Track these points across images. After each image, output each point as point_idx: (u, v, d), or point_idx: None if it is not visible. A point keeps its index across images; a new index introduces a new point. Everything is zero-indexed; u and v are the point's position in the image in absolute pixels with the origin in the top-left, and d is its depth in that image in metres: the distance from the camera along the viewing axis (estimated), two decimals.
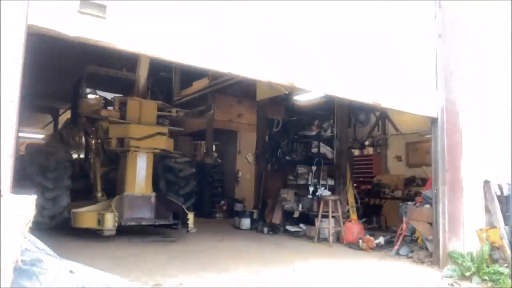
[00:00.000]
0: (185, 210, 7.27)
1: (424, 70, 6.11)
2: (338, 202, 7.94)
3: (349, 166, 8.61)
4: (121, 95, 8.64)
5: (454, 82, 6.17)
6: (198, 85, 14.39)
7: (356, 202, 8.54)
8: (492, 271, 5.14)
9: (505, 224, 6.01)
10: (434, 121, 6.12)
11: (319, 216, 7.89)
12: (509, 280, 4.95)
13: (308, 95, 10.07)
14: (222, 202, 12.78)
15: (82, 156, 9.19)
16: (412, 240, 6.71)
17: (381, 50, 5.68)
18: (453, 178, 5.93)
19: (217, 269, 5.23)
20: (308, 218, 8.90)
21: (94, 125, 8.64)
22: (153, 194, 7.67)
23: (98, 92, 9.66)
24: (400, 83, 5.80)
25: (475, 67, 6.37)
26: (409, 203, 6.96)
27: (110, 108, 7.99)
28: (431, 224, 5.99)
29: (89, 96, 9.14)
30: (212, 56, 4.19)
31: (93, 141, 8.76)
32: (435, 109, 6.09)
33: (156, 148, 7.85)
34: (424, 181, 10.08)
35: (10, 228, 2.45)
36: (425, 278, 5.27)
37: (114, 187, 8.18)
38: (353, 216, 8.26)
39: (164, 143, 7.92)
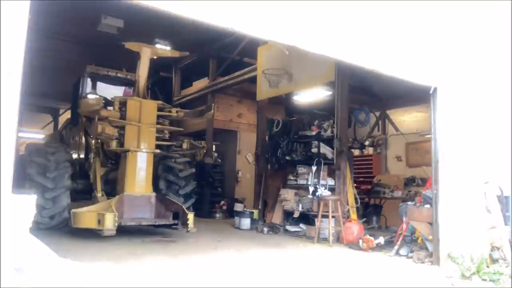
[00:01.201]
0: (185, 210, 7.27)
1: (427, 41, 6.05)
2: (338, 202, 7.94)
3: (349, 166, 8.60)
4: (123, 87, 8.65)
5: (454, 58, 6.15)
6: (198, 85, 14.42)
7: (356, 202, 8.53)
8: (492, 271, 5.14)
9: (505, 224, 6.02)
10: (433, 92, 6.06)
11: (319, 216, 7.89)
12: (509, 280, 4.95)
13: (308, 95, 10.11)
14: (222, 202, 12.78)
15: (82, 156, 9.20)
16: (412, 240, 6.71)
17: (383, 17, 5.61)
18: (453, 178, 5.93)
19: (217, 268, 5.24)
20: (308, 218, 8.90)
21: None
22: (153, 194, 7.67)
23: (99, 84, 9.64)
24: (401, 51, 5.73)
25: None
26: (409, 203, 6.95)
27: (110, 108, 7.98)
28: (431, 224, 5.99)
29: (89, 96, 9.14)
30: (212, 9, 4.04)
31: (93, 141, 8.77)
32: (435, 79, 6.02)
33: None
34: (424, 181, 10.08)
35: (10, 228, 2.45)
36: (425, 278, 5.26)
37: (114, 187, 8.19)
38: (353, 216, 8.26)
39: None
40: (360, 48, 5.33)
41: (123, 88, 9.79)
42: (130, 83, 9.52)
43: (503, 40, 6.64)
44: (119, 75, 9.70)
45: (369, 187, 11.42)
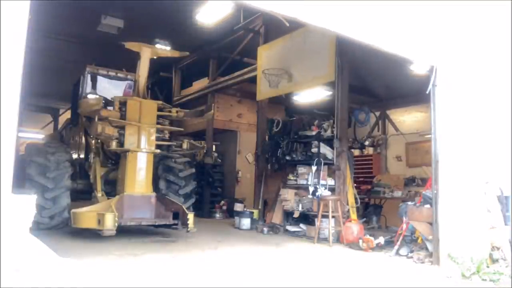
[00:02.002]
0: (185, 210, 7.26)
1: (428, 21, 6.02)
2: (338, 202, 7.94)
3: (349, 166, 8.60)
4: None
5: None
6: (198, 85, 14.42)
7: (356, 202, 8.53)
8: (492, 271, 5.14)
9: (505, 224, 6.02)
10: (433, 70, 6.04)
11: (319, 216, 7.89)
12: (509, 280, 4.95)
13: (308, 95, 10.11)
14: (222, 202, 12.78)
15: (82, 156, 9.20)
16: (412, 240, 6.71)
17: None
18: (453, 178, 5.93)
19: (217, 268, 5.24)
20: (308, 218, 8.90)
21: None
22: (153, 194, 7.66)
23: (99, 84, 9.64)
24: (401, 28, 5.71)
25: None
26: (409, 203, 6.95)
27: (110, 108, 7.98)
28: (431, 224, 5.99)
29: (89, 96, 9.14)
30: None
31: (93, 141, 8.77)
32: (435, 57, 6.00)
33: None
34: (424, 181, 10.08)
35: (10, 228, 2.45)
36: (425, 278, 5.26)
37: (114, 187, 8.19)
38: (353, 216, 8.26)
39: None
40: (361, 22, 5.31)
41: (123, 88, 9.79)
42: (130, 83, 9.53)
43: (503, 28, 6.59)
44: (119, 75, 9.70)
45: (369, 187, 11.42)
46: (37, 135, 18.68)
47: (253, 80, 11.03)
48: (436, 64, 5.97)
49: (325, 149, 8.75)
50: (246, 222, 9.61)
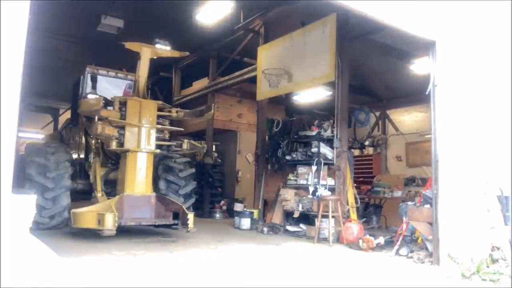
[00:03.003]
0: (185, 210, 7.26)
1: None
2: (338, 202, 7.94)
3: (349, 166, 8.60)
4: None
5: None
6: (198, 85, 14.42)
7: (356, 202, 8.54)
8: (492, 271, 5.15)
9: (505, 224, 6.02)
10: (432, 46, 6.04)
11: (319, 216, 7.89)
12: (509, 280, 4.95)
13: (308, 95, 10.11)
14: (222, 202, 12.79)
15: (82, 156, 9.20)
16: (412, 240, 6.71)
17: None
18: (453, 178, 5.93)
19: (217, 268, 5.24)
20: (308, 218, 8.90)
21: None
22: (153, 194, 7.66)
23: (99, 84, 9.64)
24: (403, 2, 5.73)
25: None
26: (409, 203, 6.95)
27: (110, 108, 7.98)
28: (431, 224, 5.99)
29: (89, 96, 9.14)
30: None
31: (93, 141, 8.77)
32: (436, 32, 5.99)
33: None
34: (424, 181, 10.09)
35: (10, 228, 2.45)
36: (425, 278, 5.26)
37: (114, 187, 8.19)
38: (353, 216, 8.26)
39: None
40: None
41: (123, 88, 9.80)
42: (130, 83, 9.53)
43: (504, 26, 6.56)
44: (119, 75, 9.70)
45: (369, 187, 11.42)
46: (37, 135, 18.68)
47: (253, 80, 11.04)
48: (437, 39, 5.93)
49: (325, 149, 8.75)
50: (246, 222, 9.61)
